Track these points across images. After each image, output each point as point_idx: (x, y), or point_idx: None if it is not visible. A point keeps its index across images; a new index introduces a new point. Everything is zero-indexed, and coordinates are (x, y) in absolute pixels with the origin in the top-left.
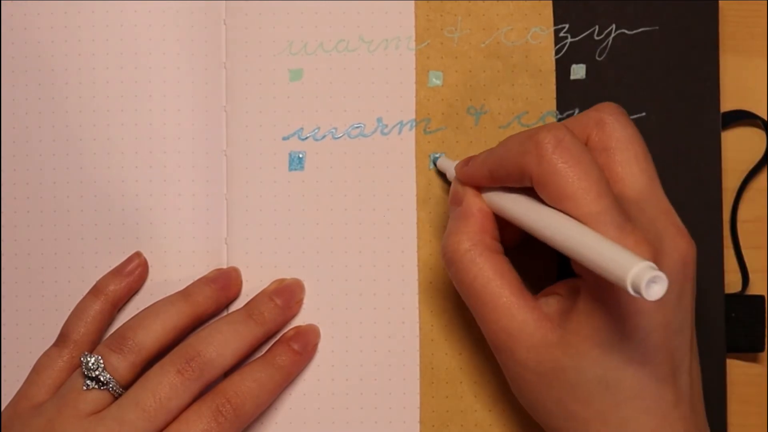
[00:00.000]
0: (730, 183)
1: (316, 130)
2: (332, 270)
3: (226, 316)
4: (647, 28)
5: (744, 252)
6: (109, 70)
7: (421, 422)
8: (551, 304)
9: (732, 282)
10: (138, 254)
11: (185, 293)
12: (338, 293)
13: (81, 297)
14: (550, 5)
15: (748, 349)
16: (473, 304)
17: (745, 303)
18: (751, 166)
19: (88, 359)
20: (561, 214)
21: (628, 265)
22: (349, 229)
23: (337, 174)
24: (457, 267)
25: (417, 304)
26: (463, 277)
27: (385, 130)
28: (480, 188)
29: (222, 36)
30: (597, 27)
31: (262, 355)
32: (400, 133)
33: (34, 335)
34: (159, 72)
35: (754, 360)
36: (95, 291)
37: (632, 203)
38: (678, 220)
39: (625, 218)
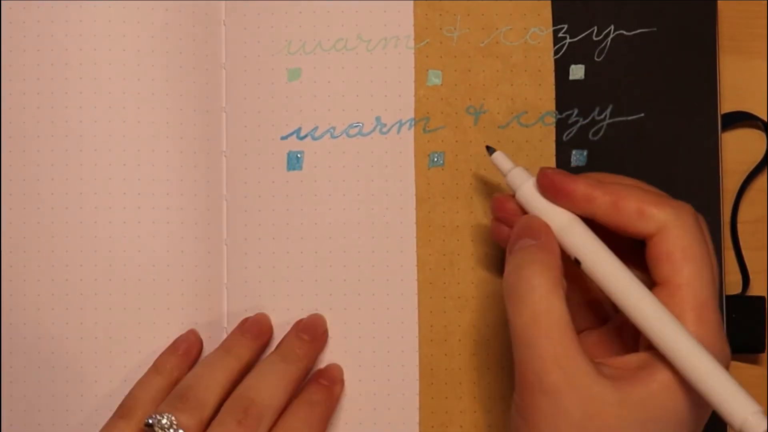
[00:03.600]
0: (730, 184)
1: (315, 130)
2: (331, 270)
3: (262, 362)
4: (645, 29)
5: (744, 253)
6: (111, 67)
7: (420, 423)
8: (612, 368)
9: (732, 283)
10: (193, 332)
11: (227, 348)
12: (337, 293)
13: (79, 300)
14: (549, 5)
15: (748, 350)
16: (531, 338)
17: (745, 304)
18: (751, 167)
19: (160, 419)
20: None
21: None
22: (347, 228)
23: (335, 173)
24: (525, 301)
25: (416, 304)
26: (531, 312)
27: (384, 130)
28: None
29: (221, 36)
30: (595, 28)
31: (299, 397)
32: (399, 132)
33: (30, 334)
34: (161, 70)
35: (755, 361)
36: (157, 368)
37: None
38: None
39: (720, 316)
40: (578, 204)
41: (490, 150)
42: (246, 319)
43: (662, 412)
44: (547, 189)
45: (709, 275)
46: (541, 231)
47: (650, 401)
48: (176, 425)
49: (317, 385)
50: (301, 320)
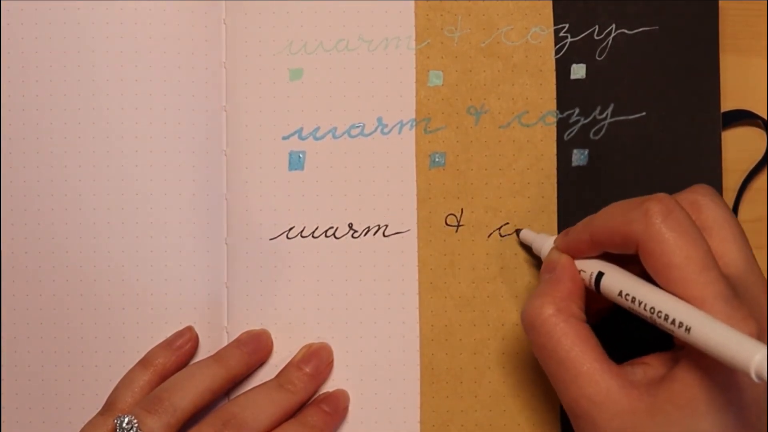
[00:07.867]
0: (730, 183)
1: (316, 130)
2: (332, 270)
3: (258, 386)
4: (647, 28)
5: None
6: (109, 69)
7: (421, 422)
8: (637, 372)
9: None
10: (190, 329)
11: (217, 357)
12: (338, 293)
13: (80, 300)
14: (549, 5)
15: None
16: (554, 370)
17: None
18: (751, 165)
19: (122, 420)
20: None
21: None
22: (348, 228)
23: (337, 174)
24: (539, 331)
25: (417, 304)
26: (545, 342)
27: (385, 130)
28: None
29: (222, 35)
30: (597, 27)
31: (295, 417)
32: (400, 132)
33: (32, 334)
34: (159, 71)
35: None
36: (144, 362)
37: (734, 280)
38: None
39: (731, 292)
40: (585, 249)
41: (518, 231)
42: (245, 333)
43: (695, 405)
44: (563, 250)
45: (697, 261)
46: (556, 264)
47: (678, 399)
48: (136, 427)
49: (317, 409)
50: (309, 346)
